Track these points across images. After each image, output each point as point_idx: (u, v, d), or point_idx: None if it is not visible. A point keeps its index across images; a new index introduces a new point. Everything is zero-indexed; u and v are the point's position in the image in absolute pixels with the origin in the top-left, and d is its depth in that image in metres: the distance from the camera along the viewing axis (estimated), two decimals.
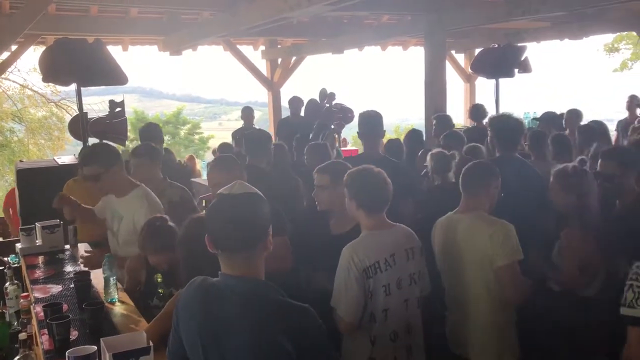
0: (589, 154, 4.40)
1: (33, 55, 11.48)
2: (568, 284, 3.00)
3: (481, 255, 2.84)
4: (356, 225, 2.89)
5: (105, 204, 3.60)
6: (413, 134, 5.79)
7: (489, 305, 2.87)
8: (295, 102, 8.10)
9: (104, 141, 5.24)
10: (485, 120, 6.70)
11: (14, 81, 18.06)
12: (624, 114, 8.05)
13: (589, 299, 2.96)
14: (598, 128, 5.48)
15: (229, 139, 7.87)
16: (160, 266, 2.88)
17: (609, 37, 18.91)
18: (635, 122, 6.75)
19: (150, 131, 5.35)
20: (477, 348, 2.91)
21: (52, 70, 5.41)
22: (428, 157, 4.22)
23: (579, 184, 2.99)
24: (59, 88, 16.00)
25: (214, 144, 22.80)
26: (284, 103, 10.79)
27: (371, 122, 4.16)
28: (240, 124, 8.36)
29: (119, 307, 2.80)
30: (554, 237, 3.14)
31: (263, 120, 17.21)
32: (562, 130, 5.94)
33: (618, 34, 17.16)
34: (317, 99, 8.40)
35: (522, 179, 3.54)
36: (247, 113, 8.15)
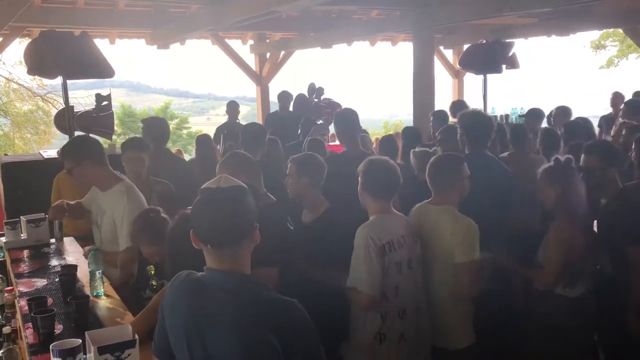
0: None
1: (18, 48, 11.36)
2: (549, 282, 3.00)
3: (441, 248, 2.93)
4: (322, 215, 3.17)
5: (92, 196, 3.57)
6: (409, 130, 5.77)
7: (448, 296, 2.95)
8: (284, 96, 8.08)
9: (85, 135, 5.13)
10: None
11: None
12: (610, 110, 8.13)
13: (577, 298, 2.98)
14: (583, 124, 5.52)
15: None
16: (153, 258, 2.87)
17: (595, 34, 19.10)
18: (619, 119, 6.81)
19: (159, 127, 5.07)
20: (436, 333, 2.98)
21: (38, 63, 5.35)
22: (411, 156, 4.24)
23: (564, 177, 3.02)
24: (45, 82, 15.88)
25: None
26: (273, 98, 10.76)
27: (346, 120, 4.20)
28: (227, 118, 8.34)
29: (105, 300, 2.78)
30: (539, 234, 3.17)
31: (251, 115, 17.18)
32: (548, 126, 5.98)
33: (604, 30, 17.30)
34: (306, 94, 8.39)
35: (490, 176, 3.54)
36: (232, 107, 8.13)
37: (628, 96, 7.61)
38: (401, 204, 3.29)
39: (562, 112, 6.50)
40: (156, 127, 5.04)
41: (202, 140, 6.11)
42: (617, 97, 7.94)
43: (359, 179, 2.95)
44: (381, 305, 2.79)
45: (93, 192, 3.55)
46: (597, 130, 7.17)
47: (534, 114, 6.48)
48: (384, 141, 5.41)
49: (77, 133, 5.64)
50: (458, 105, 7.35)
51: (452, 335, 2.97)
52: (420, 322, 2.91)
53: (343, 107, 8.32)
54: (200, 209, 1.77)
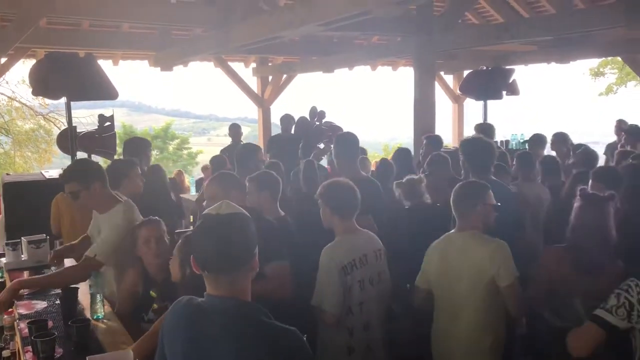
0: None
1: (22, 67, 11.45)
2: (534, 302, 2.97)
3: (478, 274, 2.88)
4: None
5: (93, 220, 3.57)
6: (401, 153, 5.77)
7: (475, 324, 2.91)
8: (286, 119, 8.11)
9: (87, 157, 5.15)
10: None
11: (2, 93, 18.00)
12: (611, 137, 8.17)
13: (560, 329, 2.86)
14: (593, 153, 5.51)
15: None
16: (157, 275, 2.92)
17: (594, 62, 19.25)
18: (618, 147, 6.85)
19: (136, 145, 5.19)
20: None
21: (43, 84, 5.39)
22: (394, 186, 4.23)
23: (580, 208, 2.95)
24: (47, 101, 15.97)
25: (202, 159, 22.77)
26: (274, 120, 10.83)
27: (346, 144, 4.22)
28: (229, 139, 8.37)
29: (105, 324, 2.77)
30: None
31: (252, 136, 17.23)
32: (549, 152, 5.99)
33: (603, 59, 17.47)
34: (307, 117, 8.44)
35: (499, 201, 3.55)
36: (235, 130, 8.16)
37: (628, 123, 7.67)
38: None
39: (560, 138, 6.47)
40: (131, 145, 5.18)
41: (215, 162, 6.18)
42: (620, 125, 7.96)
43: (320, 202, 3.10)
44: (348, 319, 2.93)
45: (94, 219, 3.54)
46: (602, 157, 7.19)
47: (537, 140, 6.39)
48: (380, 165, 5.43)
49: (79, 153, 5.67)
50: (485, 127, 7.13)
51: None
52: (383, 333, 3.05)
53: (344, 130, 8.38)
54: (198, 235, 1.77)
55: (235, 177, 3.54)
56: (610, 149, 7.72)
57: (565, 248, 2.94)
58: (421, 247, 3.16)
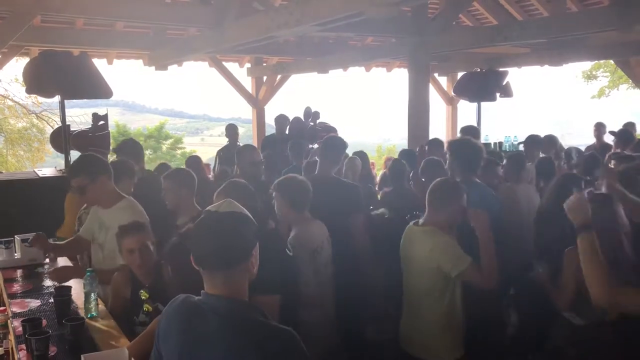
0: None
1: (15, 65, 11.40)
2: (560, 306, 2.99)
3: (426, 266, 3.02)
4: (194, 217, 3.36)
5: (92, 218, 3.55)
6: (406, 155, 5.68)
7: (430, 309, 3.04)
8: (281, 120, 8.12)
9: (91, 153, 5.13)
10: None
11: None
12: (605, 140, 8.20)
13: (579, 327, 2.93)
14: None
15: (211, 154, 7.86)
16: (145, 279, 2.88)
17: (587, 65, 19.37)
18: (612, 150, 6.89)
19: (127, 148, 5.06)
20: (422, 347, 3.09)
21: (37, 82, 5.39)
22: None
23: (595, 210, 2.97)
24: (41, 99, 15.91)
25: None
26: (268, 120, 10.82)
27: (331, 148, 4.21)
28: (222, 139, 8.37)
29: (100, 323, 2.77)
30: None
31: (247, 136, 17.22)
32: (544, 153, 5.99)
33: (595, 62, 17.58)
34: (302, 118, 8.45)
35: (482, 203, 3.56)
36: (232, 131, 8.16)
37: (618, 126, 7.71)
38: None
39: (549, 141, 6.47)
40: (124, 148, 5.03)
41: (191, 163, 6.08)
42: (599, 128, 7.98)
43: (277, 195, 3.31)
44: (314, 296, 3.16)
45: (93, 214, 3.53)
46: None
47: (532, 141, 6.31)
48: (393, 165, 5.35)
49: (72, 152, 5.66)
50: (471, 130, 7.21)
51: (440, 349, 3.04)
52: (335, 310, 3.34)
53: (339, 131, 8.39)
54: (196, 230, 1.78)
55: (191, 176, 3.78)
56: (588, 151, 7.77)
57: None
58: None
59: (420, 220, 3.17)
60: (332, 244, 3.43)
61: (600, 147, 7.55)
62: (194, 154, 6.69)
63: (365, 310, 3.82)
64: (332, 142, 4.30)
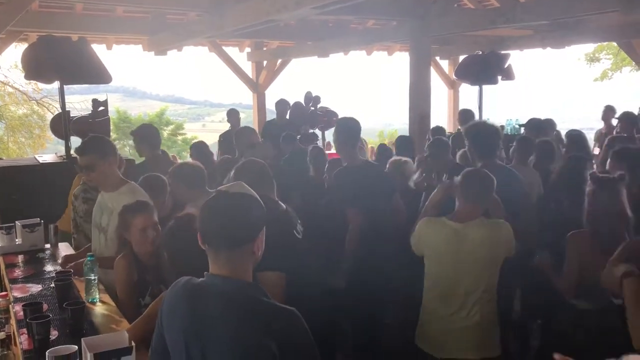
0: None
1: (14, 51, 11.34)
2: (564, 291, 2.98)
3: (490, 258, 2.98)
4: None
5: (97, 204, 3.55)
6: (403, 140, 5.74)
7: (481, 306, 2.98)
8: (281, 104, 8.09)
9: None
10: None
11: None
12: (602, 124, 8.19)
13: (582, 312, 2.93)
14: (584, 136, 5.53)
15: (213, 140, 7.84)
16: (149, 260, 2.88)
17: (589, 47, 19.23)
18: (614, 132, 6.86)
19: (151, 134, 5.04)
20: (461, 347, 3.00)
21: (36, 68, 5.36)
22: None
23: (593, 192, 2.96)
24: (41, 86, 15.84)
25: None
26: (269, 105, 10.79)
27: (347, 129, 4.08)
28: (224, 125, 8.35)
29: (100, 307, 2.78)
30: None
31: (247, 122, 17.16)
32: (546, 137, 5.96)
33: (598, 44, 17.45)
34: (302, 102, 8.42)
35: (507, 186, 3.54)
36: (234, 116, 8.13)
37: (621, 109, 7.67)
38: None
39: (549, 124, 6.40)
40: (150, 134, 5.03)
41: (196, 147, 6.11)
42: (608, 112, 7.95)
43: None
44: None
45: (98, 203, 3.52)
46: (592, 143, 7.21)
47: (534, 125, 6.16)
48: (380, 150, 5.42)
49: (72, 138, 5.64)
50: (468, 115, 7.26)
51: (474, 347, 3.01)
52: None
53: (340, 115, 8.35)
54: (205, 209, 1.81)
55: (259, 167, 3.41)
56: (597, 135, 7.76)
57: (588, 232, 2.92)
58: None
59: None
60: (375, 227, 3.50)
61: (607, 130, 7.52)
62: (195, 140, 6.69)
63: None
64: (345, 124, 4.14)
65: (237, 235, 1.76)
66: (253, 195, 1.84)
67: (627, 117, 6.85)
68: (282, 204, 3.04)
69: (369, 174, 3.90)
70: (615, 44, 13.94)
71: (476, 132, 3.94)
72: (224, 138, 7.43)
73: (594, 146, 7.43)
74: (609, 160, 3.31)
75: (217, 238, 1.76)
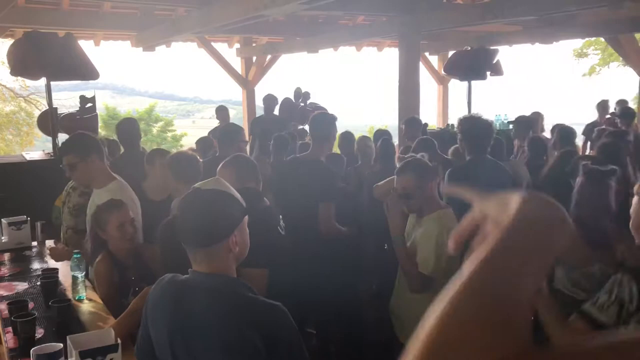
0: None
1: (1, 48, 11.23)
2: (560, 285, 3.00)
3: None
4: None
5: (91, 200, 3.51)
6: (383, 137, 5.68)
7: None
8: (269, 100, 8.06)
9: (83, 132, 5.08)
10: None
11: None
12: (593, 118, 8.23)
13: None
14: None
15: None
16: (127, 260, 2.86)
17: (578, 43, 19.34)
18: (604, 126, 6.91)
19: (129, 126, 5.08)
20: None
21: (21, 64, 5.31)
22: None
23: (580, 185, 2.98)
24: (29, 83, 15.72)
25: (187, 141, 22.60)
26: (259, 101, 10.74)
27: (323, 124, 4.01)
28: (213, 121, 8.32)
29: (87, 304, 2.76)
30: None
31: (237, 118, 17.10)
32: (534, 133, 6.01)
33: (586, 39, 17.54)
34: (292, 98, 8.40)
35: (494, 180, 3.56)
36: (223, 113, 8.11)
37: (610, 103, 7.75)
38: None
39: (535, 118, 6.48)
40: (125, 127, 5.03)
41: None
42: (604, 106, 8.05)
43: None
44: None
45: (91, 200, 3.48)
46: (582, 138, 7.26)
47: (522, 122, 6.20)
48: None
49: (60, 135, 5.60)
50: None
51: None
52: None
53: (329, 111, 8.34)
54: (180, 207, 1.81)
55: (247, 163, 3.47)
56: (588, 129, 7.81)
57: (574, 222, 2.94)
58: None
59: None
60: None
61: (601, 124, 7.57)
62: (202, 136, 6.69)
63: None
64: (318, 118, 4.12)
65: (210, 233, 1.73)
66: (227, 191, 1.80)
67: (625, 111, 6.98)
68: (266, 200, 3.03)
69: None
70: (602, 39, 14.01)
71: (470, 126, 3.94)
72: (213, 135, 7.41)
73: (585, 141, 7.48)
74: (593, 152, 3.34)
75: (190, 237, 1.75)
